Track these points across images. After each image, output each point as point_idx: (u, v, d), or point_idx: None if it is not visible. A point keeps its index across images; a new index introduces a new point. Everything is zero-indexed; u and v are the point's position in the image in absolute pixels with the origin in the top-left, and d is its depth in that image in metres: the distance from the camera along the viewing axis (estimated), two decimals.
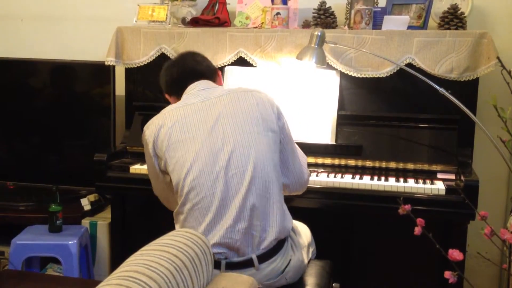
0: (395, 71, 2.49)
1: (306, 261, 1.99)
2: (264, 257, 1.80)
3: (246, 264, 1.78)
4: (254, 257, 1.78)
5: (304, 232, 2.11)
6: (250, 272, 1.77)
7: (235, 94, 1.88)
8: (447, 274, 1.32)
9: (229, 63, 2.67)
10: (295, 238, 1.97)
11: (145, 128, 1.91)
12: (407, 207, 1.35)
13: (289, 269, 1.86)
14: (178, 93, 1.98)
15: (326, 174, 2.40)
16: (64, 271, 2.66)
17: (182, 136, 1.81)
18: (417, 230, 1.34)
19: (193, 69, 1.99)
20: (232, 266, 1.77)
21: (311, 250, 2.10)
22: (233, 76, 2.64)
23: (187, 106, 1.87)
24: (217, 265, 1.73)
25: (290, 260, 1.87)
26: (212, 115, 1.83)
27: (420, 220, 1.33)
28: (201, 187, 1.76)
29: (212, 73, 2.03)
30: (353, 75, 2.54)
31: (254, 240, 1.78)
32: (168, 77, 2.03)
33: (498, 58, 1.57)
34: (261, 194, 1.78)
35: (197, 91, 1.92)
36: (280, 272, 1.84)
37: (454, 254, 1.25)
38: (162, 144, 1.83)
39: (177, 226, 1.88)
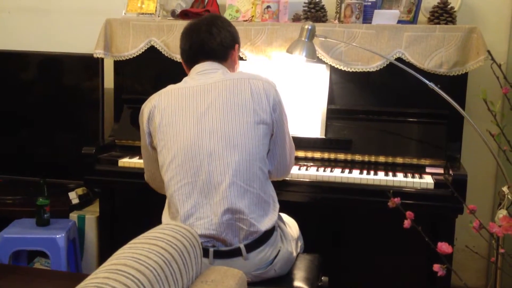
0: (385, 65, 2.49)
1: (295, 253, 1.99)
2: (252, 246, 1.79)
3: (234, 253, 1.78)
4: (242, 246, 1.78)
5: (293, 224, 2.12)
6: (238, 261, 1.77)
7: (231, 81, 1.84)
8: (436, 267, 1.32)
9: None
10: (285, 229, 1.97)
11: (142, 106, 1.92)
12: (397, 200, 1.36)
13: (278, 260, 1.86)
14: (189, 66, 1.97)
15: (315, 168, 2.41)
16: (52, 265, 2.65)
17: (173, 120, 1.80)
18: (407, 224, 1.35)
19: (201, 45, 1.91)
20: (221, 255, 1.77)
21: (299, 244, 2.10)
22: None
23: (183, 89, 1.85)
24: (205, 253, 1.73)
25: (279, 250, 1.87)
26: (204, 102, 1.81)
27: (409, 214, 1.34)
28: (184, 174, 1.77)
29: (224, 51, 1.93)
30: (343, 69, 2.54)
31: (241, 232, 1.77)
32: (181, 45, 1.98)
33: (488, 51, 1.57)
34: (245, 187, 1.76)
35: (196, 74, 1.89)
36: (269, 262, 1.84)
37: (443, 247, 1.26)
38: (155, 124, 1.83)
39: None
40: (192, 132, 1.78)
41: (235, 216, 1.75)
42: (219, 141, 1.77)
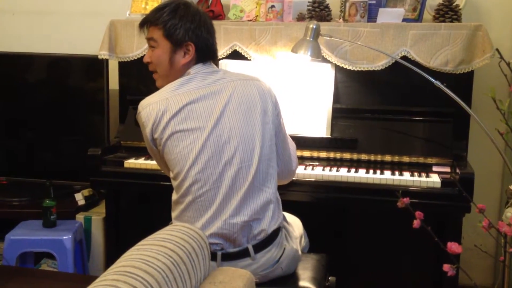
0: (390, 64, 2.48)
1: (300, 251, 1.99)
2: (260, 246, 1.79)
3: (242, 254, 1.78)
4: (250, 247, 1.77)
5: (295, 223, 2.12)
6: (246, 262, 1.77)
7: (238, 82, 1.83)
8: (446, 267, 1.31)
9: (224, 56, 2.66)
10: (289, 228, 1.98)
11: (140, 107, 1.80)
12: (406, 200, 1.35)
13: (284, 258, 1.86)
14: (199, 60, 1.86)
15: (321, 167, 2.40)
16: (59, 266, 2.65)
17: (187, 126, 1.75)
18: (416, 224, 1.34)
19: (216, 51, 1.93)
20: (228, 257, 1.77)
21: (303, 242, 2.10)
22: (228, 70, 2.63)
23: (193, 91, 1.79)
24: (213, 256, 1.72)
25: (284, 249, 1.87)
26: (218, 105, 1.77)
27: (419, 214, 1.33)
28: (206, 180, 1.74)
29: None
30: (348, 68, 2.53)
31: (252, 232, 1.78)
32: (200, 35, 1.85)
33: (497, 50, 1.56)
34: (262, 189, 1.78)
35: (201, 74, 1.84)
36: (276, 261, 1.84)
37: (453, 247, 1.25)
38: (164, 131, 1.75)
39: (173, 214, 1.85)
40: (210, 139, 1.74)
41: (251, 218, 1.76)
42: (238, 146, 1.75)
